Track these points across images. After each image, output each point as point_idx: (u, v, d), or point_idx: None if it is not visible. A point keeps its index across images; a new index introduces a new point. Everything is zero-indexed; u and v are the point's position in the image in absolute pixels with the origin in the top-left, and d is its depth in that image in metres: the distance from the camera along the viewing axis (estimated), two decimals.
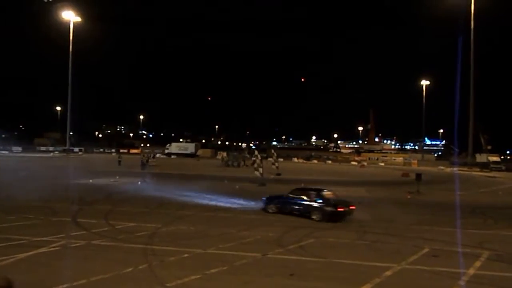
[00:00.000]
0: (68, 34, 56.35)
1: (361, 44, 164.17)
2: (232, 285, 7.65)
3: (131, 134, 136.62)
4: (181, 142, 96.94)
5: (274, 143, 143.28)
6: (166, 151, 77.35)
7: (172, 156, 73.32)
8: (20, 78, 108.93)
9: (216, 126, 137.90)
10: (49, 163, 45.56)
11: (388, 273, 8.53)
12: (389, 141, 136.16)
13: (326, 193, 15.59)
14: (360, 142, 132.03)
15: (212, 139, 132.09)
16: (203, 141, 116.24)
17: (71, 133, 66.90)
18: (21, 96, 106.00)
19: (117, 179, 27.92)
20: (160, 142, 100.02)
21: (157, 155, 62.63)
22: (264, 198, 16.55)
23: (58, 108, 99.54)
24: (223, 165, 48.67)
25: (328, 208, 14.53)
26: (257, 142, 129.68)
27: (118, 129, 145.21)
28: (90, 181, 25.76)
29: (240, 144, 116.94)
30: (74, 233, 11.36)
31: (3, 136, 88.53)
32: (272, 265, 8.99)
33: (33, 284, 7.14)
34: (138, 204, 17.59)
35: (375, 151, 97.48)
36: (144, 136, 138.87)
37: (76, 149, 74.61)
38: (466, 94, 58.92)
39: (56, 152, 72.76)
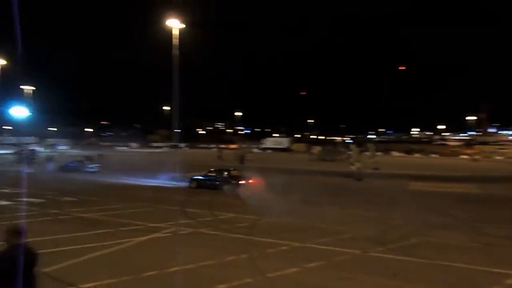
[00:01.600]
0: (174, 40, 61.23)
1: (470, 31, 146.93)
2: (331, 280, 7.61)
3: (229, 131, 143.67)
4: (276, 137, 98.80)
5: (372, 136, 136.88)
6: (262, 146, 79.75)
7: (268, 151, 75.24)
8: (136, 82, 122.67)
9: (311, 121, 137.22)
10: (158, 157, 50.46)
11: (509, 281, 7.58)
12: (507, 132, 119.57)
13: (232, 170, 21.47)
14: (471, 133, 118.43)
15: (307, 133, 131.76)
16: (298, 135, 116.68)
17: (177, 130, 73.51)
18: (135, 98, 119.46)
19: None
20: (257, 137, 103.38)
21: (254, 150, 64.92)
22: (190, 179, 21.52)
23: (166, 108, 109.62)
24: (317, 160, 48.29)
25: (232, 181, 19.86)
26: (354, 136, 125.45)
27: (217, 126, 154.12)
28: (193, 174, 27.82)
29: (334, 138, 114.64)
30: (183, 221, 12.44)
31: (123, 134, 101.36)
32: (372, 263, 8.68)
33: (150, 265, 8.07)
34: (237, 196, 18.49)
35: (490, 143, 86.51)
36: (242, 132, 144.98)
37: (182, 145, 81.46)
38: None
39: (165, 147, 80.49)
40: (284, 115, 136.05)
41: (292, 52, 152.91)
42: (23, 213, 13.59)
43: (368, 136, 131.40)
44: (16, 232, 4.50)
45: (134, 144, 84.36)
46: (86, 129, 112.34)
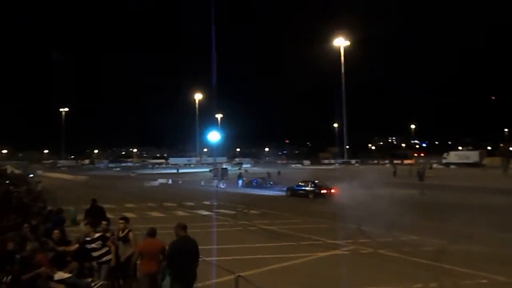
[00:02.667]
0: (341, 57, 62.02)
1: None
2: None
3: (403, 145, 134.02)
4: (460, 150, 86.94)
5: None
6: (444, 161, 71.30)
7: (451, 166, 66.74)
8: (308, 101, 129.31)
9: (506, 130, 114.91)
10: (320, 174, 51.06)
11: None
12: None
13: (317, 182, 25.47)
14: None
15: (501, 145, 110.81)
16: (489, 148, 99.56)
17: (347, 147, 73.06)
18: (308, 117, 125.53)
19: (393, 190, 27.96)
20: (435, 151, 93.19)
21: (434, 165, 58.83)
22: (285, 188, 27.28)
23: (335, 125, 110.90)
24: None
25: (316, 190, 24.31)
26: None
27: (389, 140, 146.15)
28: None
29: None
30: (361, 240, 12.20)
31: (296, 152, 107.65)
32: None
33: (332, 282, 8.25)
34: (419, 216, 16.94)
35: None
36: (417, 146, 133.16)
37: (353, 161, 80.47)
38: None
39: (337, 164, 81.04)
40: (470, 125, 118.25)
41: (474, 53, 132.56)
42: (219, 223, 15.92)
43: None
44: (183, 227, 6.05)
45: (306, 162, 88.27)
46: (265, 149, 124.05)
